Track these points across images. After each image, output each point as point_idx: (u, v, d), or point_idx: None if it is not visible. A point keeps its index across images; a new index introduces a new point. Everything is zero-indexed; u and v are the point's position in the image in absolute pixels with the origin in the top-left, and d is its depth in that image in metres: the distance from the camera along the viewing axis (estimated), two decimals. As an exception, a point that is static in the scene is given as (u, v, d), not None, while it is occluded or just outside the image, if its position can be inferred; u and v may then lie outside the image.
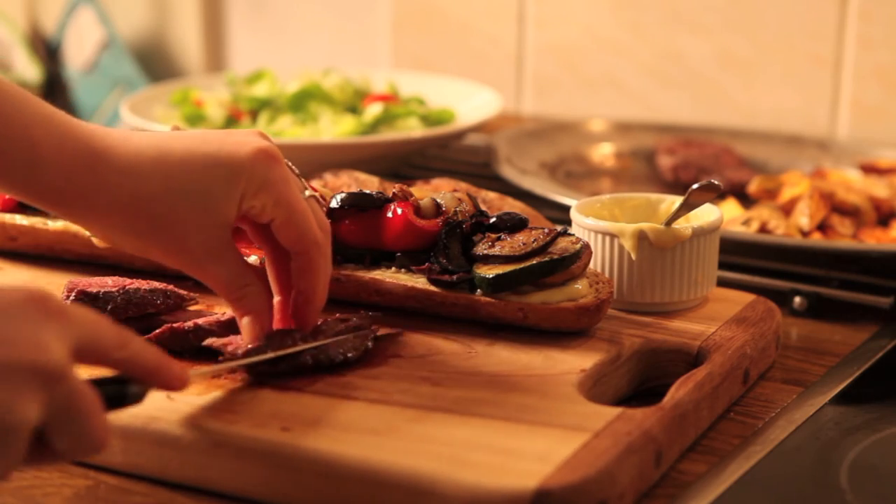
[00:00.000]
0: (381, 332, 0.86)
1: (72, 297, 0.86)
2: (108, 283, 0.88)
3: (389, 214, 0.90)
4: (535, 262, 0.86)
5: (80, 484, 0.75)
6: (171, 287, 0.89)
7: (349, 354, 0.81)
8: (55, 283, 0.98)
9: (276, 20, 1.96)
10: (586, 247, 0.88)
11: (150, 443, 0.75)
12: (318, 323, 0.83)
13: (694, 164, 1.38)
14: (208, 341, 0.81)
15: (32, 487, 0.75)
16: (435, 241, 0.89)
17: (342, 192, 0.92)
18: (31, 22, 2.05)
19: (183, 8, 1.99)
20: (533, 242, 0.87)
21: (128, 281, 0.89)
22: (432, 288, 0.89)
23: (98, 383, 0.66)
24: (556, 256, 0.86)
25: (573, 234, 0.89)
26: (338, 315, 0.85)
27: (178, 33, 2.00)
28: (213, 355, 0.81)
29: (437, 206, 0.91)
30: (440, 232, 0.89)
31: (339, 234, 0.91)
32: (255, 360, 0.78)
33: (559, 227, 0.90)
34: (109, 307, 0.86)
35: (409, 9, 1.83)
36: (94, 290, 0.87)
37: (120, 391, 0.67)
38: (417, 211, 0.91)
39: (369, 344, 0.83)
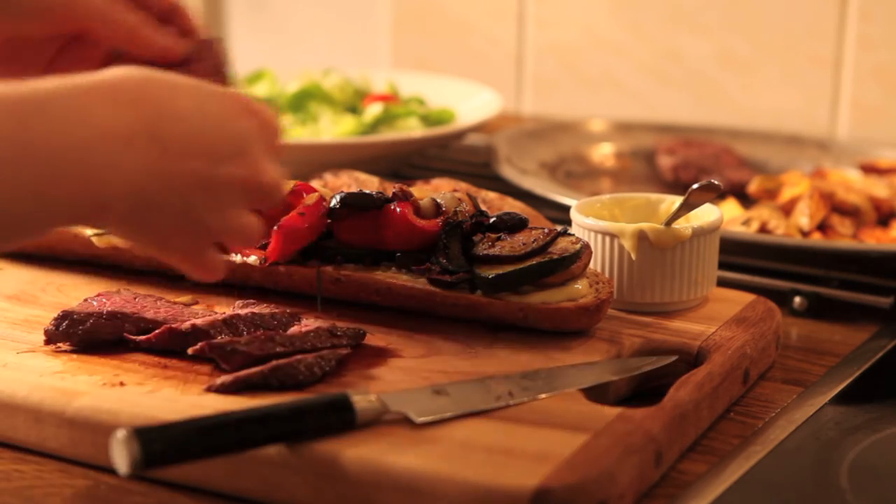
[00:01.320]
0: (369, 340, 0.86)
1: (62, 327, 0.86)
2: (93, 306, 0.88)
3: (389, 215, 0.90)
4: (535, 262, 0.86)
5: (80, 484, 0.75)
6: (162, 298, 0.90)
7: (301, 377, 0.79)
8: (55, 283, 0.98)
9: (276, 20, 1.96)
10: (586, 247, 0.88)
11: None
12: (311, 329, 0.82)
13: (694, 164, 1.38)
14: (191, 350, 0.82)
15: (33, 487, 0.75)
16: (435, 241, 0.89)
17: (342, 191, 0.92)
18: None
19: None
20: (533, 242, 0.87)
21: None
22: (432, 288, 0.89)
23: None
24: (556, 256, 0.86)
25: (573, 234, 0.89)
26: (329, 325, 0.84)
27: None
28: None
29: (437, 206, 0.91)
30: (440, 232, 0.89)
31: (339, 234, 0.91)
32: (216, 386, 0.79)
33: (559, 227, 0.90)
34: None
35: (409, 9, 1.83)
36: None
37: None
38: (417, 211, 0.91)
39: (330, 366, 0.81)
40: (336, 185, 1.08)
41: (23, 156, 0.65)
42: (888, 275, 1.07)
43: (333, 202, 0.91)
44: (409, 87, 1.59)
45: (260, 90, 1.53)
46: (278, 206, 0.83)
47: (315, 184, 1.04)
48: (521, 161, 1.35)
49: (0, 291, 0.96)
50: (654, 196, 0.98)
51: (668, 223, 0.92)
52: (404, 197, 0.91)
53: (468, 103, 1.54)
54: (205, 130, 0.73)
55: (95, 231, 0.98)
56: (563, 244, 0.88)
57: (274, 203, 0.78)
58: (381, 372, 0.82)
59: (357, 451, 0.71)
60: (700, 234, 0.92)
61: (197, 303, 0.92)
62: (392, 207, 0.90)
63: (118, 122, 0.69)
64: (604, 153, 1.48)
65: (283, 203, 0.86)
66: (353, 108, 1.49)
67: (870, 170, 1.36)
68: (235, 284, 0.93)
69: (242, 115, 0.76)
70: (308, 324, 0.85)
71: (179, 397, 0.78)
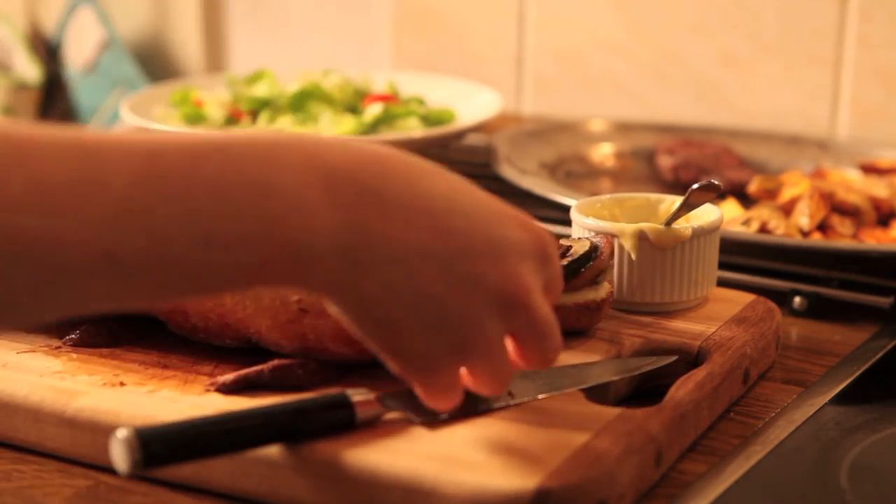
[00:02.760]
0: None
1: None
2: None
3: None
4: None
5: (80, 484, 0.75)
6: None
7: (301, 377, 0.80)
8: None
9: (276, 20, 1.96)
10: (595, 249, 0.88)
11: (150, 443, 0.75)
12: None
13: (694, 164, 1.38)
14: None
15: (32, 487, 0.75)
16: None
17: None
18: (31, 22, 2.05)
19: (183, 8, 1.99)
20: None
21: None
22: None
23: None
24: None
25: (582, 238, 0.89)
26: None
27: (178, 33, 2.00)
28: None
29: None
30: None
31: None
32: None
33: (570, 241, 0.90)
34: None
35: (409, 9, 1.83)
36: None
37: None
38: None
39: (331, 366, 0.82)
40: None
41: (190, 192, 0.57)
42: (888, 275, 1.07)
43: None
44: (409, 87, 1.59)
45: (260, 90, 1.53)
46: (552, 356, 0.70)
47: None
48: (521, 161, 1.35)
49: (0, 291, 0.96)
50: (654, 196, 0.98)
51: (668, 223, 0.92)
52: None
53: (468, 103, 1.54)
54: (452, 213, 0.63)
55: None
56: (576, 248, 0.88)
57: (547, 348, 0.68)
58: (381, 372, 0.81)
59: (357, 451, 0.71)
60: (700, 234, 0.92)
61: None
62: None
63: (315, 171, 0.59)
64: (604, 153, 1.48)
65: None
66: (353, 108, 1.49)
67: (870, 170, 1.36)
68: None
69: (513, 225, 0.65)
70: None
71: (179, 397, 0.78)
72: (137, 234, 0.56)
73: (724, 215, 1.01)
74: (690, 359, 0.87)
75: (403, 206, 0.62)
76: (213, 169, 0.58)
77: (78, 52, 1.96)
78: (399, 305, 0.63)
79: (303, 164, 0.60)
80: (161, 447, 0.67)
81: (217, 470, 0.73)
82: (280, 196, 0.59)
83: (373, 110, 1.44)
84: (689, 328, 0.90)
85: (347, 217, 0.60)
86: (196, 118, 1.47)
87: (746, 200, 1.26)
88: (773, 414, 0.85)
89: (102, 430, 0.75)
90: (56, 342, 0.86)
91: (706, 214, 0.95)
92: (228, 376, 0.78)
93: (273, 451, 0.72)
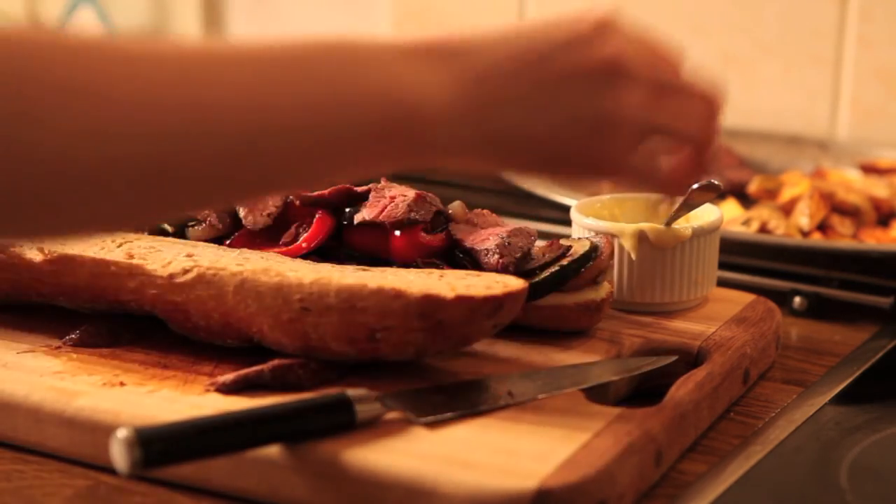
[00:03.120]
0: None
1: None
2: None
3: (397, 233, 0.89)
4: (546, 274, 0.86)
5: (80, 484, 0.75)
6: None
7: (301, 377, 0.79)
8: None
9: (276, 19, 1.96)
10: (595, 249, 0.88)
11: (150, 443, 0.75)
12: None
13: (694, 164, 1.38)
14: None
15: (32, 487, 0.75)
16: (440, 252, 0.88)
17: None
18: (32, 21, 2.05)
19: (183, 7, 1.99)
20: (544, 257, 0.87)
21: None
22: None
23: None
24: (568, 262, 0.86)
25: (582, 238, 0.89)
26: None
27: (178, 33, 2.00)
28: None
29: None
30: (445, 247, 0.89)
31: (349, 237, 0.90)
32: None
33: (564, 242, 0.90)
34: None
35: (409, 8, 1.83)
36: None
37: None
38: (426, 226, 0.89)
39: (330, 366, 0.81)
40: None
41: (298, 89, 0.61)
42: (888, 275, 1.07)
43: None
44: (409, 86, 1.58)
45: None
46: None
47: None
48: (521, 161, 1.35)
49: None
50: (654, 196, 0.98)
51: (668, 223, 0.92)
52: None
53: (468, 103, 1.53)
54: (519, 43, 0.68)
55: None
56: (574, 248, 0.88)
57: (700, 105, 0.75)
58: (381, 372, 0.82)
59: (357, 451, 0.71)
60: (700, 234, 0.92)
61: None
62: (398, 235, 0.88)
63: (401, 46, 0.64)
64: (604, 153, 1.48)
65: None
66: (353, 108, 1.49)
67: (870, 170, 1.36)
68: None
69: (564, 22, 0.72)
70: None
71: (179, 397, 0.78)
72: (269, 119, 0.60)
73: (724, 215, 1.01)
74: (690, 359, 0.87)
75: (481, 57, 0.67)
76: (305, 72, 0.62)
77: (78, 52, 1.96)
78: (530, 127, 0.67)
79: (386, 43, 0.64)
80: (161, 447, 0.67)
81: (217, 470, 0.73)
82: (379, 69, 0.63)
83: (373, 110, 1.44)
84: (689, 328, 0.90)
85: (446, 75, 0.65)
86: (196, 118, 1.47)
87: (746, 200, 1.26)
88: (773, 414, 0.85)
89: (102, 430, 0.75)
90: (56, 342, 0.86)
91: (706, 214, 0.95)
92: (228, 376, 0.79)
93: (273, 451, 0.72)
